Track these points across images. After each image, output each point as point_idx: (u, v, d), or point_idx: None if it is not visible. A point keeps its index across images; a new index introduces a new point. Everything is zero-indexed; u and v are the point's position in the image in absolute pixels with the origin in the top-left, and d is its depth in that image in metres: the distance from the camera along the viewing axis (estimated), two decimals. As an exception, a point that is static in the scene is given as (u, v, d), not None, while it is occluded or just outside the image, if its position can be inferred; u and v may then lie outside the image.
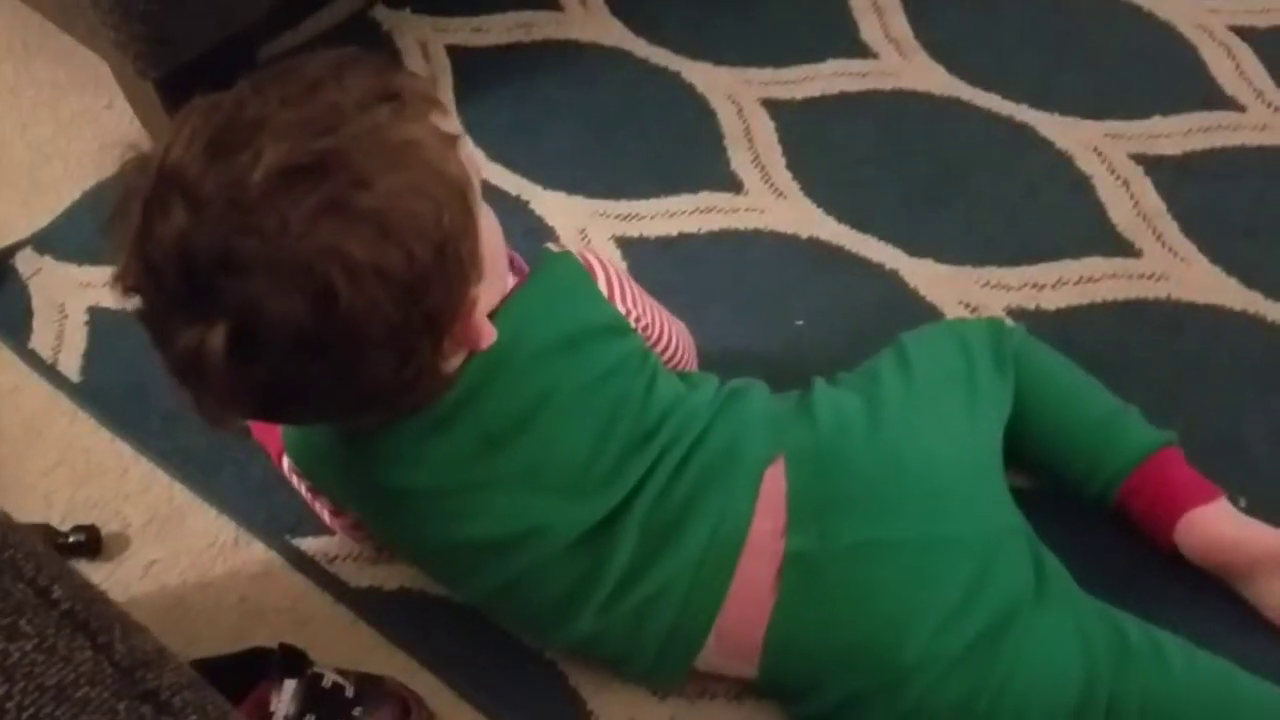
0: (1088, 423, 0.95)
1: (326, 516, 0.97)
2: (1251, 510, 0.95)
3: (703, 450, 0.84)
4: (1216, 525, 0.91)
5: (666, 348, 0.94)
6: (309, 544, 1.02)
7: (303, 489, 0.95)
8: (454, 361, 0.78)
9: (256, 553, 1.03)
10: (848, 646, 0.83)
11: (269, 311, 0.67)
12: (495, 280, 0.80)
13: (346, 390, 0.73)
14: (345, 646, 0.97)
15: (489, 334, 0.78)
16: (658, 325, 0.93)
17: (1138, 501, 0.93)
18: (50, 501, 1.07)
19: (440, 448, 0.80)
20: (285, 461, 0.93)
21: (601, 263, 0.89)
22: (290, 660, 0.90)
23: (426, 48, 1.39)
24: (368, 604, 0.99)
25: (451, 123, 0.76)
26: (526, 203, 1.23)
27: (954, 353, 0.94)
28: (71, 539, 1.02)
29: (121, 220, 0.70)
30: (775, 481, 0.84)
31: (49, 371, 1.15)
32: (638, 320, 0.89)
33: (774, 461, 0.84)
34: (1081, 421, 0.95)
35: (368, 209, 0.68)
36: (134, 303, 0.72)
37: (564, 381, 0.81)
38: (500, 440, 0.80)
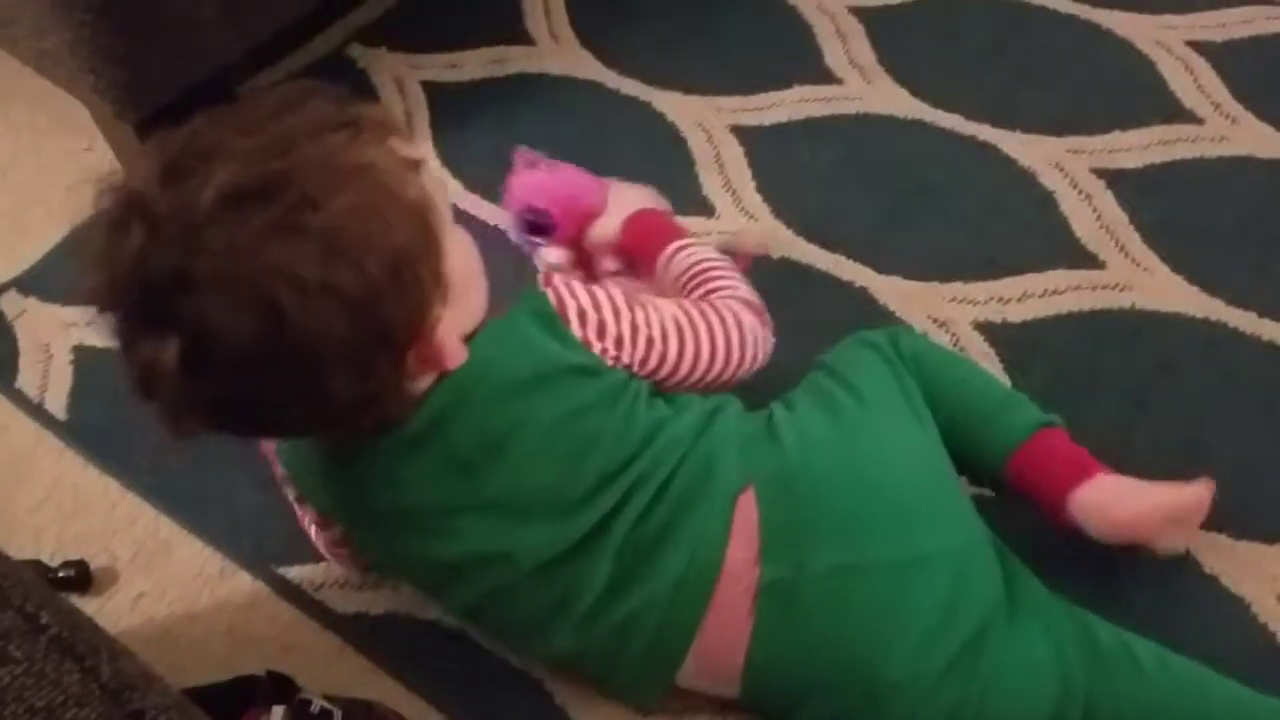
0: (976, 409, 0.95)
1: (312, 532, 0.99)
2: (1217, 512, 0.97)
3: (680, 476, 0.85)
4: (1107, 511, 0.90)
5: (662, 366, 0.90)
6: (295, 572, 1.03)
7: (291, 497, 0.97)
8: (423, 382, 0.80)
9: (243, 583, 1.04)
10: (828, 669, 0.84)
11: (219, 328, 0.69)
12: (469, 303, 0.81)
13: (304, 405, 0.75)
14: (333, 672, 0.98)
15: (456, 354, 0.79)
16: (654, 349, 0.89)
17: (1023, 483, 0.93)
18: (39, 538, 1.08)
19: (413, 469, 0.82)
20: (278, 469, 0.95)
21: (579, 298, 0.87)
22: (278, 686, 0.91)
23: (402, 84, 1.41)
24: (354, 630, 1.01)
25: (413, 149, 0.78)
26: (504, 232, 1.25)
27: (880, 367, 0.94)
28: (61, 574, 1.03)
29: (92, 243, 0.73)
30: (747, 509, 0.85)
31: (36, 410, 1.16)
32: (617, 354, 0.87)
33: (745, 489, 0.85)
34: (970, 408, 0.95)
35: (317, 228, 0.70)
36: (108, 324, 0.74)
37: (535, 415, 0.82)
38: (471, 466, 0.82)
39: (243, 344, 0.69)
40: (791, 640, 0.84)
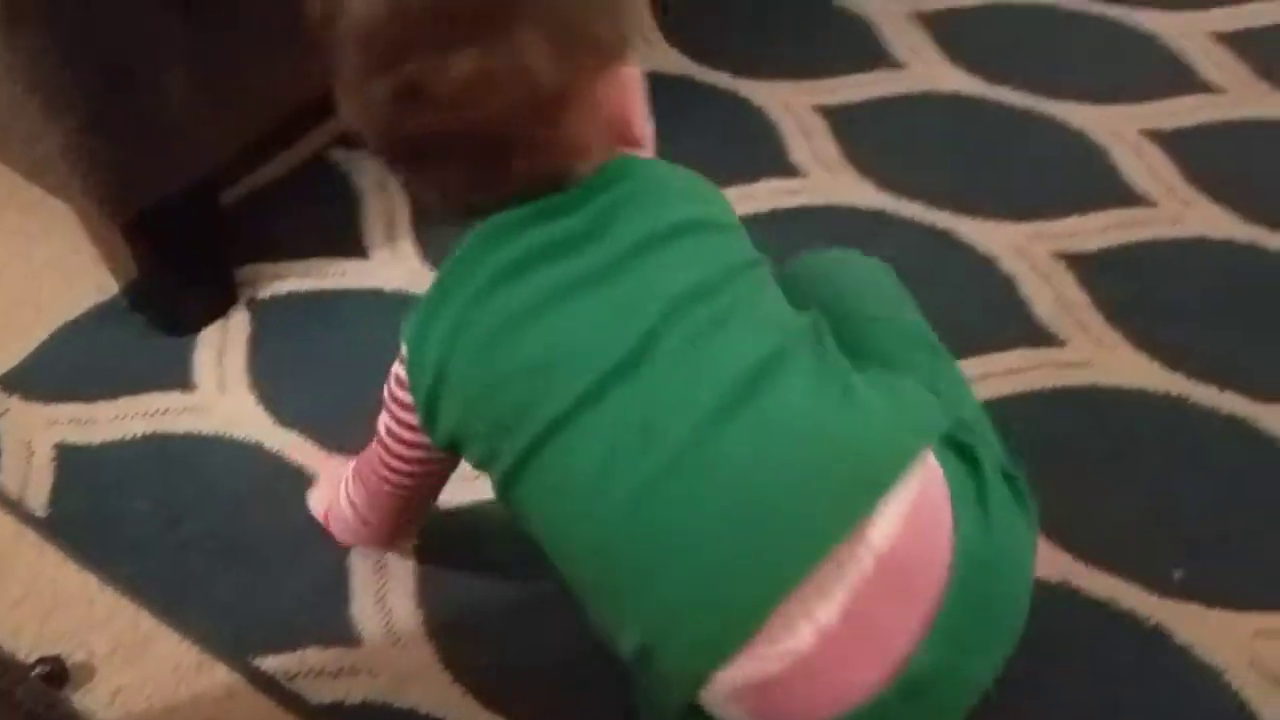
0: None
1: (390, 467, 0.92)
2: (1187, 582, 0.99)
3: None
4: None
5: None
6: (270, 663, 1.03)
7: (398, 413, 0.87)
8: (598, 150, 0.80)
9: (219, 675, 1.04)
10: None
11: None
12: (637, 127, 0.84)
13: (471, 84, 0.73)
14: (310, 764, 0.98)
15: (621, 130, 0.81)
16: None
17: None
18: (18, 635, 1.08)
19: (546, 235, 0.78)
20: (392, 390, 0.86)
21: None
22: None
23: (385, 185, 1.45)
24: (331, 719, 1.00)
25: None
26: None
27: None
28: (36, 671, 1.03)
29: None
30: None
31: (15, 507, 1.17)
32: None
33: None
34: None
35: None
36: None
37: (670, 212, 0.80)
38: (614, 258, 0.78)
39: None
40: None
